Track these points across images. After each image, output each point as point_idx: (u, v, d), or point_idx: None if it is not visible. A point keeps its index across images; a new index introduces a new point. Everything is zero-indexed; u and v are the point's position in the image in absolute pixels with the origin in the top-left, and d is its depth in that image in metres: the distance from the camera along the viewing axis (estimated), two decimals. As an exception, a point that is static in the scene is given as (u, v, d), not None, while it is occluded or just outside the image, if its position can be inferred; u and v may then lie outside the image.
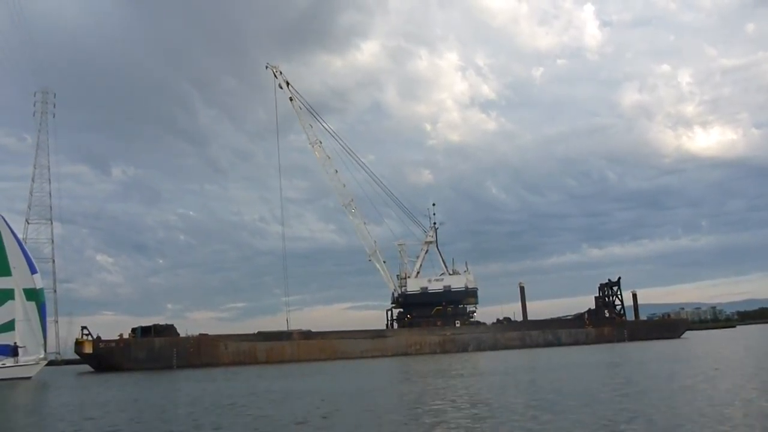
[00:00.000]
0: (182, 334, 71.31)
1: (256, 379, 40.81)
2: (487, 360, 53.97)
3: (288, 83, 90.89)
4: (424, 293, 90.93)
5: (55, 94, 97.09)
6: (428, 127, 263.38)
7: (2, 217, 55.79)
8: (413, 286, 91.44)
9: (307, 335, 75.96)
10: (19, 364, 51.40)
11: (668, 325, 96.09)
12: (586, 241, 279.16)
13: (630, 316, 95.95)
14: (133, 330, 69.05)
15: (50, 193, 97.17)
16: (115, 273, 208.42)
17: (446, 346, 79.29)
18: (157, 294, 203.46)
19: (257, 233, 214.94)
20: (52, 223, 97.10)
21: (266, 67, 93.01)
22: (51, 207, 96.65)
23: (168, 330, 69.92)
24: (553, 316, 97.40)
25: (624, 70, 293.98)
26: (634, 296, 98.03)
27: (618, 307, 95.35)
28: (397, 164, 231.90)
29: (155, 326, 69.45)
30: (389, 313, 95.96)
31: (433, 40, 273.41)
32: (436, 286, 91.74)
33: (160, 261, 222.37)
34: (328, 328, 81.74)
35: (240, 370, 54.00)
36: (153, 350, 65.82)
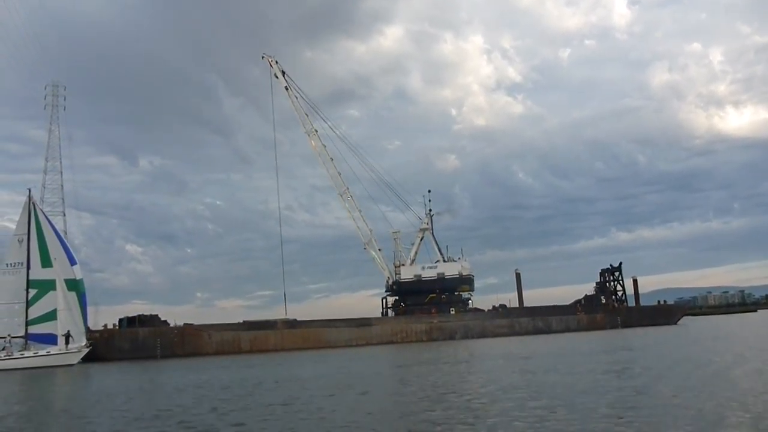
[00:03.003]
0: (171, 323, 72.99)
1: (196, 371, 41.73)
2: (444, 349, 53.85)
3: (284, 73, 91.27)
4: (418, 281, 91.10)
5: (65, 87, 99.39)
6: (454, 111, 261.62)
7: (42, 211, 58.08)
8: (407, 273, 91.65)
9: (291, 324, 76.71)
10: (63, 351, 53.71)
11: (664, 312, 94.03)
12: (615, 225, 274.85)
13: (633, 303, 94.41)
14: (120, 321, 71.04)
15: (62, 186, 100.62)
16: (145, 262, 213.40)
17: (433, 334, 79.07)
18: (186, 283, 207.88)
19: (284, 221, 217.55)
20: (65, 215, 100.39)
21: (262, 57, 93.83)
22: (63, 199, 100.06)
23: (152, 320, 71.51)
24: (563, 303, 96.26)
25: (653, 49, 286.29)
26: (635, 282, 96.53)
27: (619, 293, 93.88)
28: (422, 150, 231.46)
29: (140, 317, 70.99)
30: (384, 300, 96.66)
31: (458, 24, 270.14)
32: (429, 274, 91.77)
33: (189, 250, 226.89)
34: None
35: (220, 360, 55.01)
36: (137, 340, 67.22)
